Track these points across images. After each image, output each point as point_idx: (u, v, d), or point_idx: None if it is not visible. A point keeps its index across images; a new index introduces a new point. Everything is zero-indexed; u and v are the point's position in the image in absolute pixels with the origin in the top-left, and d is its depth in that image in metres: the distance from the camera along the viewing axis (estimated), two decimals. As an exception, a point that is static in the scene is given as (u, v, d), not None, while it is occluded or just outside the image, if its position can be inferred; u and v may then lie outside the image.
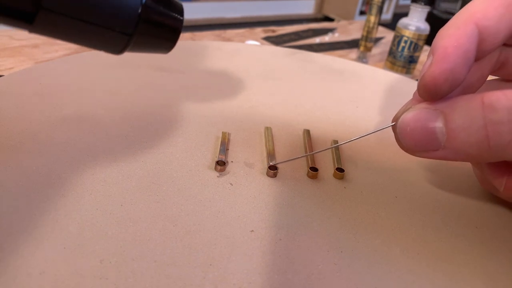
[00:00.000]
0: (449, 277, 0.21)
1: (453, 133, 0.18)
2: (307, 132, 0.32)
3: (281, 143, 0.31)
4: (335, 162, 0.29)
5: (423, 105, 0.20)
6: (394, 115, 0.23)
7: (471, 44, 0.19)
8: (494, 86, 0.25)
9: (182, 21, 0.23)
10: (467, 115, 0.18)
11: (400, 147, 0.21)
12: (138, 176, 0.25)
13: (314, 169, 0.27)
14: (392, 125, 0.22)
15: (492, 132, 0.17)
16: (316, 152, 0.30)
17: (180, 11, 0.23)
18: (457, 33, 0.19)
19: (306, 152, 0.30)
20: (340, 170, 0.27)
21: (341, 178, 0.27)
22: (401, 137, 0.20)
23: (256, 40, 0.64)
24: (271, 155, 0.28)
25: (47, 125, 0.29)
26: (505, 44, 0.23)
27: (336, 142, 0.31)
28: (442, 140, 0.19)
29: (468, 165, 0.30)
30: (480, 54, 0.20)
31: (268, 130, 0.31)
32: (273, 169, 0.27)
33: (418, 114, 0.19)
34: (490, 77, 0.25)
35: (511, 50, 0.23)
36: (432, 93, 0.19)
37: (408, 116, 0.20)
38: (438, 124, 0.19)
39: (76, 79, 0.36)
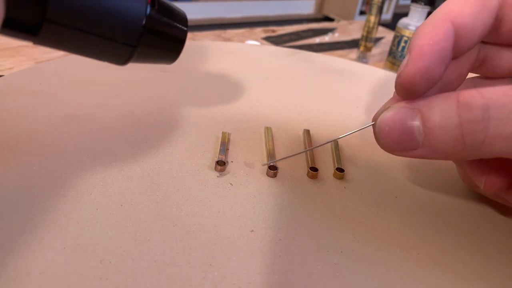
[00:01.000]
0: (449, 277, 0.21)
1: (430, 131, 0.18)
2: (307, 132, 0.32)
3: (281, 143, 0.31)
4: (335, 162, 0.29)
5: (401, 104, 0.20)
6: (373, 115, 0.23)
7: (446, 42, 0.19)
8: (474, 83, 0.25)
9: (186, 31, 0.23)
10: (443, 114, 0.18)
11: (380, 146, 0.21)
12: (138, 176, 0.25)
13: (314, 169, 0.27)
14: (372, 124, 0.22)
15: (467, 130, 0.17)
16: (310, 149, 0.30)
17: (184, 22, 0.23)
18: (433, 31, 0.20)
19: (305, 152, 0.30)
20: (340, 170, 0.27)
21: (341, 178, 0.27)
22: (380, 136, 0.20)
23: (256, 40, 0.64)
24: (271, 155, 0.28)
25: (47, 125, 0.29)
26: (483, 42, 0.23)
27: (336, 142, 0.31)
28: (419, 139, 0.19)
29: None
30: (457, 52, 0.21)
31: (268, 130, 0.31)
32: (273, 169, 0.27)
33: (396, 114, 0.19)
34: (470, 75, 0.25)
35: (489, 47, 0.23)
36: (409, 92, 0.20)
37: (387, 115, 0.20)
38: (416, 123, 0.19)
39: (76, 79, 0.36)
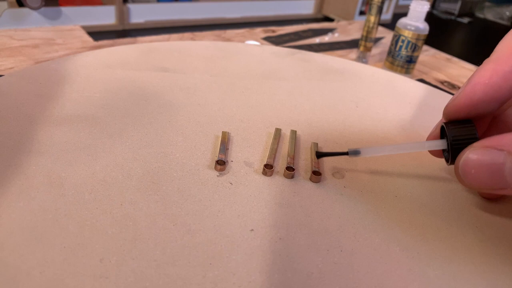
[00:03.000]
0: (449, 276, 0.21)
1: None
2: (293, 133, 0.32)
3: (281, 143, 0.31)
4: (312, 165, 0.28)
5: (485, 143, 0.19)
6: (429, 133, 0.23)
7: (507, 82, 0.19)
8: None
9: None
10: None
11: (464, 185, 0.20)
12: (138, 175, 0.25)
13: (317, 172, 0.27)
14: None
15: None
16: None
17: None
18: (493, 69, 0.20)
19: (288, 152, 0.30)
20: (316, 173, 0.27)
21: (317, 181, 0.27)
22: (465, 178, 0.20)
23: (256, 40, 0.64)
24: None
25: (47, 125, 0.29)
26: None
27: (315, 144, 0.30)
28: (510, 180, 0.18)
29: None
30: None
31: (277, 131, 0.31)
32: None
33: (482, 157, 0.19)
34: None
35: None
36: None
37: (472, 158, 0.19)
38: (507, 168, 0.18)
39: (76, 79, 0.36)
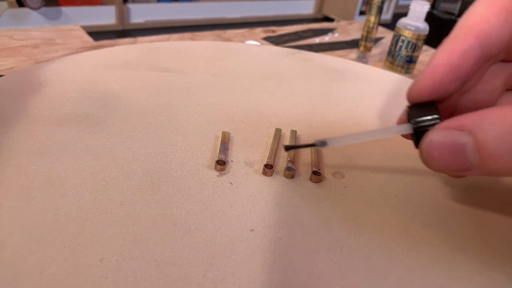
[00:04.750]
0: (449, 276, 0.21)
1: (487, 157, 0.17)
2: (293, 132, 0.32)
3: (281, 143, 0.31)
4: (312, 165, 0.28)
5: (447, 124, 0.19)
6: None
7: (465, 60, 0.19)
8: None
9: None
10: (500, 141, 0.17)
11: (430, 169, 0.20)
12: (138, 175, 0.25)
13: (317, 172, 0.27)
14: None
15: None
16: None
17: None
18: (451, 49, 0.20)
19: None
20: (316, 173, 0.27)
21: (317, 181, 0.27)
22: (429, 161, 0.19)
23: (256, 40, 0.64)
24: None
25: (47, 125, 0.29)
26: None
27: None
28: (474, 161, 0.18)
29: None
30: (487, 63, 0.20)
31: (277, 131, 0.31)
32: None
33: (444, 139, 0.18)
34: None
35: None
36: (418, 102, 0.20)
37: (434, 139, 0.19)
38: (468, 146, 0.18)
39: (76, 79, 0.36)
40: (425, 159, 0.20)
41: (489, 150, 0.17)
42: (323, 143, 0.23)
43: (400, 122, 0.24)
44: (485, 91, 0.24)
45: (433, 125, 0.20)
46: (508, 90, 0.25)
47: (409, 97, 0.21)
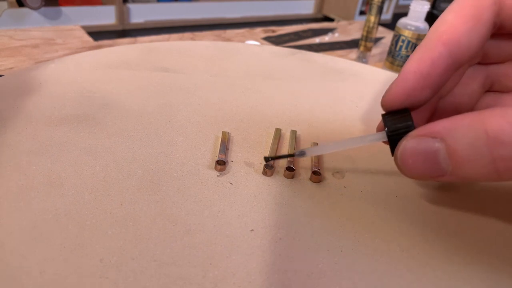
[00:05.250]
0: (449, 276, 0.21)
1: (458, 164, 0.17)
2: (293, 133, 0.32)
3: (281, 143, 0.31)
4: (312, 165, 0.28)
5: (420, 131, 0.19)
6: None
7: (435, 68, 0.20)
8: (492, 98, 0.25)
9: None
10: (471, 148, 0.17)
11: (404, 175, 0.20)
12: (138, 175, 0.25)
13: (317, 172, 0.27)
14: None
15: (503, 167, 0.16)
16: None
17: None
18: (421, 58, 0.20)
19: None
20: (316, 173, 0.27)
21: (318, 181, 0.27)
22: (404, 168, 0.20)
23: (256, 40, 0.64)
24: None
25: (47, 125, 0.29)
26: (489, 63, 0.23)
27: (315, 144, 0.30)
28: (446, 168, 0.18)
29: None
30: (458, 69, 0.21)
31: (277, 131, 0.31)
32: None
33: (417, 146, 0.19)
34: None
35: (495, 67, 0.23)
36: (392, 110, 0.21)
37: (407, 147, 0.19)
38: (441, 154, 0.18)
39: (76, 79, 0.36)
40: (399, 167, 0.20)
41: (461, 157, 0.17)
42: (301, 153, 0.24)
43: (379, 129, 0.24)
44: (463, 94, 0.24)
45: (406, 132, 0.20)
46: (487, 91, 0.25)
47: (382, 105, 0.21)
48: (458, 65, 0.20)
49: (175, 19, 1.99)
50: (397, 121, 0.21)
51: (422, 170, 0.19)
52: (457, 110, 0.24)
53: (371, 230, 0.23)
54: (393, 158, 0.20)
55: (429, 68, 0.20)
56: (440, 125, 0.18)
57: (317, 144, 0.31)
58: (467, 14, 0.20)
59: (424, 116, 0.24)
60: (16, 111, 0.30)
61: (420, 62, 0.20)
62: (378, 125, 0.24)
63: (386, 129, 0.21)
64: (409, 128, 0.20)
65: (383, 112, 0.22)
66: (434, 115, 0.25)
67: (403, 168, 0.20)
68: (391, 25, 2.28)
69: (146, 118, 0.32)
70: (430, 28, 0.21)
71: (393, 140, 0.21)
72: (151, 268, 0.20)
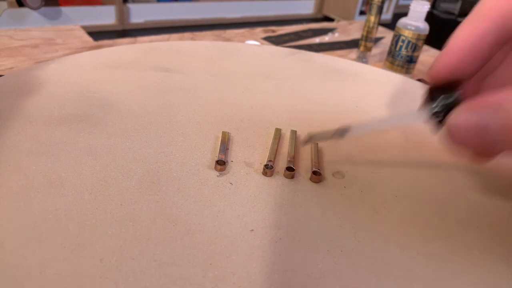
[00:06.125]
0: (449, 276, 0.21)
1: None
2: (293, 133, 0.32)
3: (281, 143, 0.31)
4: (312, 165, 0.28)
5: (472, 103, 0.18)
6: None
7: (483, 40, 0.20)
8: None
9: None
10: None
11: (454, 149, 0.19)
12: (138, 175, 0.25)
13: (317, 173, 0.27)
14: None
15: None
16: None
17: None
18: (469, 30, 0.20)
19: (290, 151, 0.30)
20: (316, 173, 0.27)
21: (318, 181, 0.27)
22: (456, 141, 0.19)
23: (256, 40, 0.64)
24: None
25: (47, 125, 0.29)
26: None
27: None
28: (500, 140, 0.17)
29: (467, 164, 0.30)
30: (507, 43, 0.21)
31: (277, 131, 0.31)
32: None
33: (469, 119, 0.18)
34: None
35: None
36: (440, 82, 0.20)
37: (459, 119, 0.18)
38: (493, 127, 0.17)
39: (76, 79, 0.36)
40: (451, 139, 0.19)
41: None
42: (344, 131, 0.23)
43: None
44: (506, 74, 0.24)
45: (456, 105, 0.20)
46: None
47: (430, 76, 0.21)
48: (504, 40, 0.20)
49: (175, 19, 1.99)
50: (446, 93, 0.20)
51: (473, 142, 0.18)
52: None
53: (371, 230, 0.23)
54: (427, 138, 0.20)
55: (477, 40, 0.20)
56: (493, 97, 0.18)
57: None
58: None
59: (472, 90, 0.24)
60: (16, 111, 0.30)
61: (468, 34, 0.20)
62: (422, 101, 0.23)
63: (434, 102, 0.21)
64: (459, 101, 0.20)
65: (429, 86, 0.21)
66: (482, 89, 0.24)
67: (455, 141, 0.19)
68: (391, 25, 2.28)
69: (146, 118, 0.32)
70: (476, 6, 0.21)
71: (439, 115, 0.20)
72: (151, 268, 0.20)
